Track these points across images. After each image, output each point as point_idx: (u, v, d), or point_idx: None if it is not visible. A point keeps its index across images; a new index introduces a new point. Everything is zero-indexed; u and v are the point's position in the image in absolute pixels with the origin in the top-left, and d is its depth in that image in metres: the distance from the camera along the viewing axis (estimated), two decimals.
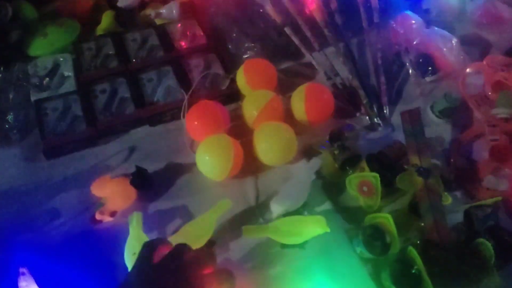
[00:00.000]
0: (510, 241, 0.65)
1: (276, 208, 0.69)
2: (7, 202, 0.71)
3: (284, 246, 0.67)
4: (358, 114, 0.87)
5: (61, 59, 0.90)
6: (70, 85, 0.86)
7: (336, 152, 0.75)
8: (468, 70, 0.91)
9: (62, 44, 0.94)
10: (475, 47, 1.00)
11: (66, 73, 0.88)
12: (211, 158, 0.73)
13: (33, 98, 0.83)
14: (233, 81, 0.89)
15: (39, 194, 0.72)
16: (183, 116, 0.83)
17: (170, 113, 0.85)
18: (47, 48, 0.93)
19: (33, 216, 0.69)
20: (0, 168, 0.76)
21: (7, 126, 0.79)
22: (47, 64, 0.89)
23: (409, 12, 1.00)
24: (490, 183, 0.75)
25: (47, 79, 0.86)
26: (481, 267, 0.62)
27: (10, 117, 0.80)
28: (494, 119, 0.81)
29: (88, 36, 0.98)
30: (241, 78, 0.87)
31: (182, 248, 0.51)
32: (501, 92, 0.84)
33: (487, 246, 0.62)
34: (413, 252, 0.61)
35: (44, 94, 0.84)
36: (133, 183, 0.70)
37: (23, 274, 0.55)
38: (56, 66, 0.89)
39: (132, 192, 0.70)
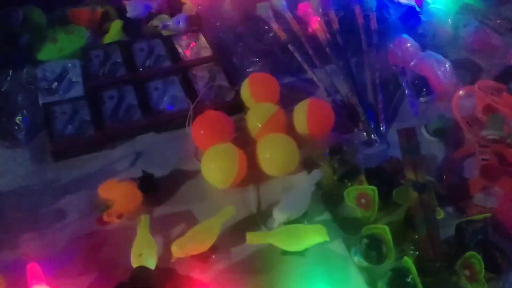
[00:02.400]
0: (498, 255, 0.67)
1: (278, 216, 0.71)
2: (16, 200, 0.73)
3: (285, 253, 0.69)
4: (356, 130, 0.91)
5: (70, 64, 0.93)
6: (78, 90, 0.88)
7: (335, 165, 0.79)
8: (460, 92, 0.96)
9: (71, 50, 0.97)
10: (467, 71, 1.05)
11: (74, 79, 0.90)
12: (216, 166, 0.75)
13: (41, 101, 0.85)
14: (237, 93, 0.92)
15: (46, 194, 0.74)
16: (189, 125, 0.85)
17: (176, 121, 0.87)
18: (56, 53, 0.96)
19: (40, 215, 0.70)
20: (8, 167, 0.77)
21: (15, 127, 0.80)
22: (55, 68, 0.91)
23: (406, 36, 1.05)
24: (480, 200, 0.79)
25: (56, 83, 0.89)
26: (471, 278, 0.65)
27: (18, 119, 0.81)
28: (485, 140, 0.86)
29: (96, 44, 1.01)
30: (246, 91, 0.90)
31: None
32: (491, 115, 0.88)
33: (478, 258, 0.65)
34: (409, 262, 0.64)
35: (53, 98, 0.86)
36: (141, 187, 0.72)
37: (33, 269, 0.56)
38: (64, 71, 0.91)
39: (138, 196, 0.72)
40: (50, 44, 0.96)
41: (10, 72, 0.88)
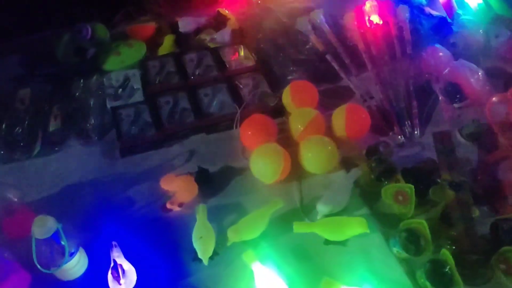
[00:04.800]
0: None
1: (321, 208, 0.78)
2: (92, 189, 0.84)
3: (327, 242, 0.75)
4: (391, 133, 0.97)
5: (131, 74, 1.04)
6: (139, 96, 1.00)
7: (373, 164, 0.85)
8: (493, 99, 0.99)
9: (131, 61, 1.09)
10: (499, 79, 1.08)
11: (135, 86, 1.02)
12: (264, 163, 0.83)
13: (109, 105, 0.97)
14: (279, 98, 1.00)
15: (117, 185, 0.84)
16: (236, 127, 0.94)
17: (224, 124, 0.96)
18: (119, 64, 1.08)
19: (114, 202, 0.81)
20: (84, 162, 0.89)
21: (88, 127, 0.92)
22: (119, 77, 1.03)
23: (438, 45, 1.10)
24: None
25: (120, 90, 1.00)
26: (507, 272, 0.69)
27: (91, 120, 0.93)
28: None
29: (152, 55, 1.13)
30: (287, 97, 0.98)
31: None
32: None
33: None
34: (447, 254, 0.68)
35: (118, 103, 0.98)
36: (197, 180, 0.81)
37: (115, 246, 0.66)
38: (126, 80, 1.03)
39: (195, 188, 0.81)
40: (114, 56, 1.08)
41: (82, 80, 1.00)
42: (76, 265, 0.68)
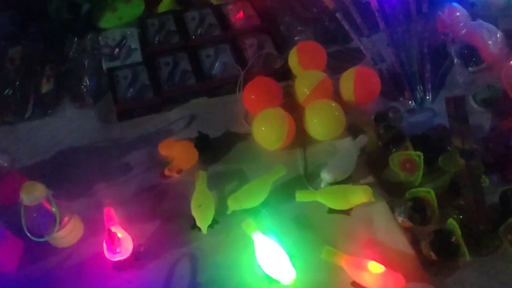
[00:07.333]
0: None
1: (325, 176, 0.75)
2: (88, 155, 0.81)
3: (331, 211, 0.73)
4: (401, 99, 0.92)
5: (128, 32, 0.98)
6: (137, 57, 0.95)
7: (381, 131, 0.81)
8: (511, 63, 0.94)
9: (129, 18, 1.03)
10: None
11: (133, 46, 0.96)
12: (267, 129, 0.80)
13: (105, 66, 0.92)
14: (285, 60, 0.95)
15: (113, 150, 0.82)
16: (239, 90, 0.90)
17: (226, 87, 0.92)
18: (116, 22, 1.02)
19: (110, 168, 0.79)
20: (79, 125, 0.86)
21: (84, 89, 0.88)
22: (116, 36, 0.97)
23: (456, 5, 1.03)
24: None
25: (117, 50, 0.95)
26: None
27: (86, 82, 0.89)
28: None
29: (151, 12, 1.06)
30: (294, 59, 0.93)
31: None
32: None
33: None
34: (454, 224, 0.67)
35: (115, 63, 0.93)
36: (197, 146, 0.78)
37: (109, 213, 0.64)
38: (123, 39, 0.97)
39: (195, 154, 0.78)
40: (110, 13, 1.02)
41: (76, 39, 0.95)
42: (70, 232, 0.66)
